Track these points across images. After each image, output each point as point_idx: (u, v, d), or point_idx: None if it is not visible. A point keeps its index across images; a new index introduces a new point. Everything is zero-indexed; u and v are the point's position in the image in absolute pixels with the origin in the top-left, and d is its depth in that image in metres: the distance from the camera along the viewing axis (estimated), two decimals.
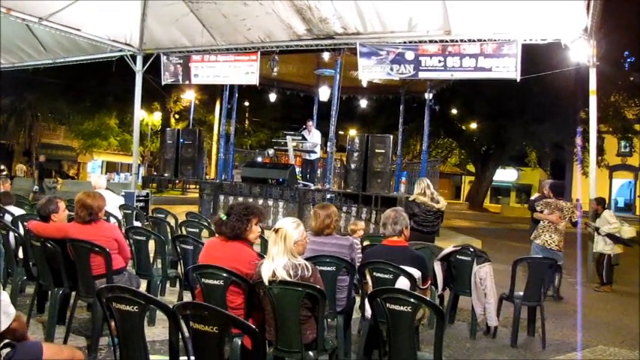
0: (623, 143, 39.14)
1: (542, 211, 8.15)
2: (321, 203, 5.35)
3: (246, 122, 35.84)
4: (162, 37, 13.17)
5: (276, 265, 3.63)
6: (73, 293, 5.13)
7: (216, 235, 4.21)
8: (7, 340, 2.95)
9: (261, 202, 12.69)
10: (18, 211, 7.22)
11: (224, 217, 4.05)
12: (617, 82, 24.77)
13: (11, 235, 5.96)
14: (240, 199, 12.51)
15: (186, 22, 12.35)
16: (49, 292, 5.23)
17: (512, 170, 45.84)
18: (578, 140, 26.74)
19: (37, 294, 5.61)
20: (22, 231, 5.99)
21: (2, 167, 26.98)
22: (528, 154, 34.66)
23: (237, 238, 4.06)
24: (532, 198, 8.95)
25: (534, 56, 12.04)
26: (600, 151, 26.78)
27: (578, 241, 7.29)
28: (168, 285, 6.96)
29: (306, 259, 3.99)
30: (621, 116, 27.25)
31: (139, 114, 15.52)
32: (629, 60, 26.56)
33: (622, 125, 27.76)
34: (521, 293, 6.18)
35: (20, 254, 5.92)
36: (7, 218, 6.81)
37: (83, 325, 5.46)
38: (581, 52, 9.21)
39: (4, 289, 2.98)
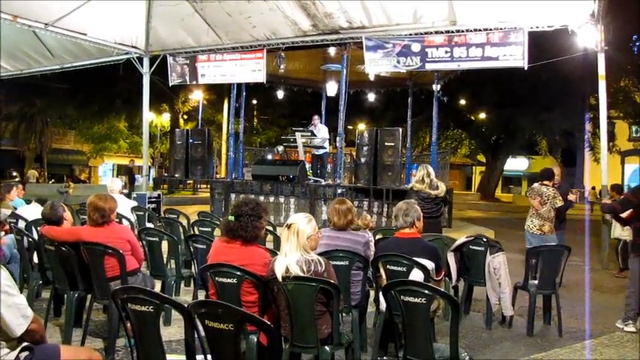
0: (634, 128, 38.77)
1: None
2: (338, 198, 5.34)
3: (255, 120, 35.86)
4: (168, 38, 13.20)
5: (290, 260, 3.63)
6: (89, 296, 5.17)
7: (223, 236, 4.13)
8: (25, 344, 2.97)
9: (272, 199, 12.71)
10: (35, 210, 7.27)
11: (232, 219, 3.97)
12: (626, 67, 24.50)
13: (25, 240, 6.01)
14: (252, 196, 12.52)
15: (191, 23, 12.37)
16: (65, 296, 5.27)
17: (523, 159, 45.54)
18: (588, 127, 26.55)
19: (52, 298, 5.66)
20: (35, 236, 6.03)
21: (14, 173, 27.19)
22: (539, 142, 34.35)
23: (253, 241, 4.04)
24: (533, 185, 8.95)
25: (541, 43, 11.95)
26: (611, 136, 26.51)
27: (586, 226, 7.25)
28: (182, 285, 6.99)
29: (320, 254, 3.99)
30: (632, 101, 26.95)
31: (148, 116, 15.57)
32: (638, 44, 26.30)
33: (633, 110, 27.47)
34: (536, 282, 6.16)
35: (35, 259, 5.97)
36: (21, 224, 6.85)
37: (99, 327, 5.50)
38: (589, 37, 9.14)
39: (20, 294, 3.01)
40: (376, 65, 10.90)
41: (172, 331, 5.39)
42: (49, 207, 5.40)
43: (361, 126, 29.39)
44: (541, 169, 8.69)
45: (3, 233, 3.22)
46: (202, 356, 3.09)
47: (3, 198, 7.55)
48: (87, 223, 5.12)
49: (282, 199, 12.71)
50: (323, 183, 12.99)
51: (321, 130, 14.45)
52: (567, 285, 8.21)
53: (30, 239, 5.99)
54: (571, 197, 8.24)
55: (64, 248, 5.02)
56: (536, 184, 8.23)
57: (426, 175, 8.22)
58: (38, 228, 5.93)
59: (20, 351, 2.96)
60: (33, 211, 7.20)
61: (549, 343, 5.71)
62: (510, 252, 6.60)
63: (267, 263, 3.90)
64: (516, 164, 45.28)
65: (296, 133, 13.91)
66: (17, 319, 2.90)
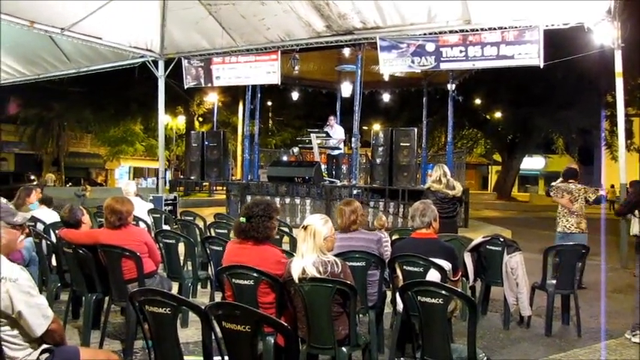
0: None
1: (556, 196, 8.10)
2: (345, 199, 5.34)
3: (270, 122, 35.95)
4: (183, 41, 13.26)
5: (306, 262, 3.63)
6: (107, 298, 5.20)
7: (236, 238, 4.15)
8: (45, 346, 3.00)
9: (288, 200, 12.74)
10: (52, 216, 7.34)
11: (244, 220, 3.98)
12: None
13: (44, 242, 6.06)
14: (268, 198, 12.53)
15: (205, 25, 12.42)
16: (83, 298, 5.30)
17: (540, 158, 45.23)
18: (605, 124, 26.28)
19: (71, 300, 5.71)
20: (54, 239, 6.08)
21: (32, 177, 27.46)
22: (555, 140, 34.09)
23: (265, 241, 4.05)
24: (552, 184, 8.86)
25: (557, 41, 11.87)
26: (629, 134, 26.25)
27: (602, 225, 7.20)
28: (199, 286, 7.01)
29: (336, 255, 3.98)
30: None
31: (163, 118, 15.66)
32: None
33: None
34: (554, 282, 6.11)
35: (53, 262, 6.02)
36: (39, 227, 6.91)
37: (117, 329, 5.54)
38: (605, 34, 9.04)
39: None
40: (391, 65, 10.88)
41: (190, 332, 5.41)
42: (68, 210, 5.44)
43: (376, 126, 29.32)
44: (565, 168, 8.62)
45: (23, 236, 3.24)
46: (219, 358, 3.10)
47: (23, 202, 7.62)
48: (104, 226, 5.16)
49: (297, 201, 12.72)
50: (338, 184, 12.98)
51: (337, 131, 14.44)
52: (587, 285, 8.17)
53: (48, 242, 6.05)
54: (602, 192, 8.17)
55: (81, 251, 5.05)
56: (561, 183, 8.15)
57: (443, 174, 8.19)
58: (56, 231, 5.99)
59: (41, 353, 2.99)
60: (47, 215, 7.29)
61: (568, 344, 5.65)
62: (528, 252, 6.54)
63: (280, 262, 3.92)
64: (533, 163, 44.93)
65: (311, 135, 13.92)
66: (38, 319, 2.93)
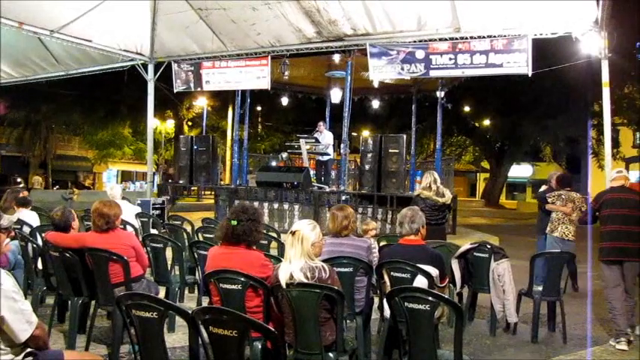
0: (638, 135, 38.71)
1: (554, 203, 8.12)
2: (339, 205, 5.37)
3: (259, 127, 35.90)
4: (173, 45, 13.23)
5: (294, 267, 3.64)
6: (93, 302, 5.18)
7: (221, 242, 4.14)
8: (29, 350, 2.98)
9: (276, 205, 12.74)
10: (33, 217, 7.30)
11: (235, 223, 3.99)
12: (630, 74, 24.50)
13: (29, 246, 6.02)
14: (256, 203, 12.52)
15: (196, 29, 12.39)
16: (69, 302, 5.28)
17: (527, 166, 45.45)
18: (592, 133, 26.50)
19: (57, 304, 5.66)
20: (40, 242, 6.04)
21: (19, 179, 27.26)
22: (543, 148, 34.36)
23: (252, 245, 4.05)
24: (541, 190, 8.91)
25: (545, 50, 11.96)
26: (615, 143, 26.48)
27: (589, 231, 7.24)
28: (186, 291, 6.99)
29: (323, 260, 3.99)
30: (636, 108, 26.94)
31: (152, 122, 15.60)
32: None
33: (637, 117, 27.46)
34: (540, 288, 6.15)
35: (39, 265, 5.98)
36: (25, 230, 6.87)
37: (103, 334, 5.51)
38: (593, 44, 9.11)
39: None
40: (380, 72, 10.91)
41: (176, 337, 5.39)
42: (60, 213, 5.41)
43: (365, 133, 29.42)
44: (559, 175, 8.66)
45: (8, 239, 3.22)
46: None
47: (10, 205, 7.54)
48: (91, 229, 5.14)
49: (286, 206, 12.72)
50: (327, 190, 12.99)
51: (327, 137, 14.46)
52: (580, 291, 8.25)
53: (34, 245, 6.01)
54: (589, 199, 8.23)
55: (68, 254, 5.03)
56: (562, 192, 8.17)
57: (433, 181, 8.23)
58: (43, 234, 5.95)
59: (24, 357, 2.97)
60: (28, 217, 7.24)
61: (554, 350, 5.69)
62: (515, 259, 6.58)
63: (265, 265, 3.94)
64: (521, 171, 45.15)
65: (300, 140, 13.94)
66: (22, 324, 2.91)
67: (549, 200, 8.23)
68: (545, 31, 9.43)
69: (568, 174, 8.63)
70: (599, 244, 6.13)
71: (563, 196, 8.02)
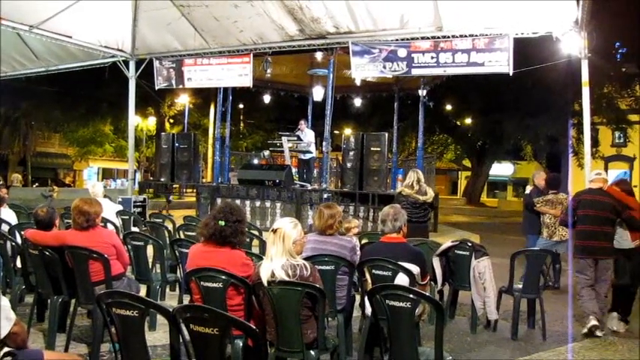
0: (617, 134, 39.13)
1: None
2: (327, 203, 5.39)
3: (241, 125, 35.82)
4: (155, 42, 13.13)
5: (275, 265, 3.64)
6: (73, 301, 5.13)
7: (203, 239, 4.11)
8: (7, 349, 2.95)
9: (258, 203, 12.72)
10: (10, 215, 7.22)
11: (223, 224, 3.96)
12: (609, 74, 24.82)
13: (8, 244, 5.95)
14: (238, 201, 12.49)
15: (177, 26, 12.31)
16: (49, 301, 5.22)
17: (508, 164, 45.84)
18: (572, 132, 26.77)
19: (36, 303, 5.61)
20: (19, 240, 5.98)
21: None
22: (524, 147, 34.66)
23: (237, 246, 4.04)
24: (526, 193, 9.00)
25: (527, 50, 12.04)
26: (595, 142, 26.82)
27: (569, 232, 7.35)
28: (168, 289, 6.96)
29: (306, 258, 3.99)
30: (614, 107, 27.27)
31: (134, 119, 15.48)
32: (620, 51, 26.64)
33: (616, 116, 27.79)
34: (520, 286, 6.21)
35: (18, 263, 5.91)
36: (4, 228, 6.79)
37: (84, 333, 5.47)
38: (573, 44, 9.20)
39: None
40: (363, 70, 10.92)
41: (157, 336, 5.36)
42: (45, 210, 5.35)
43: (347, 131, 29.48)
44: (548, 178, 8.75)
45: None
46: None
47: None
48: (71, 227, 5.09)
49: (268, 204, 12.71)
50: (309, 188, 13.00)
51: (308, 135, 14.47)
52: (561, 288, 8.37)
53: (13, 244, 5.94)
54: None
55: (47, 253, 4.98)
56: (549, 196, 8.27)
57: (416, 181, 8.28)
58: (22, 232, 5.88)
59: (2, 356, 2.93)
60: (4, 214, 7.15)
61: (533, 347, 5.75)
62: (495, 256, 6.64)
63: (246, 263, 3.93)
64: (502, 169, 45.55)
65: (282, 138, 13.93)
66: (0, 321, 2.88)
67: (537, 206, 8.34)
68: (526, 31, 9.50)
69: (557, 175, 8.74)
70: (574, 242, 6.33)
71: (552, 200, 8.13)
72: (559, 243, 8.05)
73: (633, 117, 29.87)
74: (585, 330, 5.85)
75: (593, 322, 5.82)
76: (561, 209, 7.94)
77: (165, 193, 15.21)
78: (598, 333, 5.87)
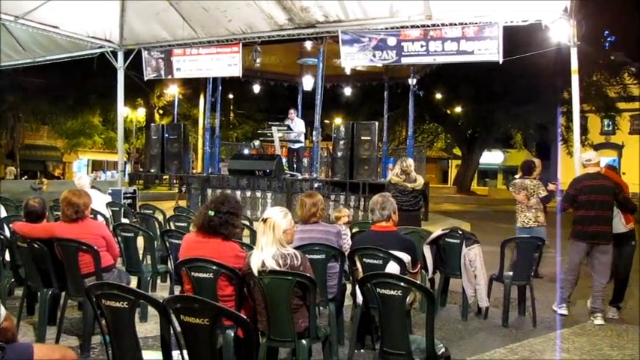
0: (606, 122, 39.43)
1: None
2: (308, 192, 5.40)
3: (231, 115, 35.69)
4: (143, 32, 13.03)
5: (265, 255, 3.63)
6: (63, 293, 5.10)
7: (195, 229, 4.09)
8: None
9: (248, 193, 12.69)
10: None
11: (212, 214, 3.93)
12: (598, 62, 24.93)
13: None
14: (228, 191, 12.46)
15: (166, 16, 12.22)
16: (39, 294, 5.20)
17: (499, 152, 46.00)
18: (562, 120, 26.90)
19: (26, 296, 5.57)
20: (7, 233, 5.93)
21: None
22: (514, 135, 34.80)
23: (228, 238, 4.01)
24: (512, 179, 9.03)
25: (516, 38, 12.05)
26: (584, 130, 26.93)
27: (558, 218, 7.36)
28: (158, 280, 6.95)
29: (295, 248, 3.99)
30: (603, 95, 27.41)
31: (123, 111, 15.39)
32: (609, 39, 26.77)
33: (604, 104, 27.94)
34: (511, 273, 6.24)
35: (7, 256, 5.87)
36: None
37: (74, 325, 5.45)
38: (562, 32, 9.21)
39: None
40: (352, 59, 10.90)
41: (149, 327, 5.35)
42: (38, 200, 5.31)
43: (338, 120, 29.39)
44: (521, 163, 8.79)
45: None
46: (178, 352, 3.07)
47: None
48: (60, 219, 5.06)
49: (258, 194, 12.69)
50: (299, 177, 12.99)
51: (298, 124, 14.43)
52: (544, 275, 8.39)
53: (1, 237, 5.90)
54: (551, 187, 8.30)
55: (36, 245, 4.95)
56: (517, 180, 8.30)
57: (405, 168, 8.27)
58: (10, 225, 5.84)
59: None
60: None
61: (524, 333, 5.79)
62: (486, 244, 6.66)
63: (239, 255, 3.92)
64: (492, 158, 45.68)
65: (272, 128, 13.90)
66: None
67: (510, 189, 8.40)
68: (515, 19, 9.50)
69: (529, 160, 8.72)
70: (572, 227, 6.34)
71: (518, 185, 8.15)
72: (524, 230, 8.03)
73: (621, 105, 30.05)
74: (559, 313, 6.09)
75: (564, 311, 6.04)
76: (525, 194, 7.98)
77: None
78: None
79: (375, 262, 4.48)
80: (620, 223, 6.44)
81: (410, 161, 8.56)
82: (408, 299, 3.70)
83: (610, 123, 38.42)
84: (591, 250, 6.29)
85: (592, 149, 30.87)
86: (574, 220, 6.42)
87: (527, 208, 8.03)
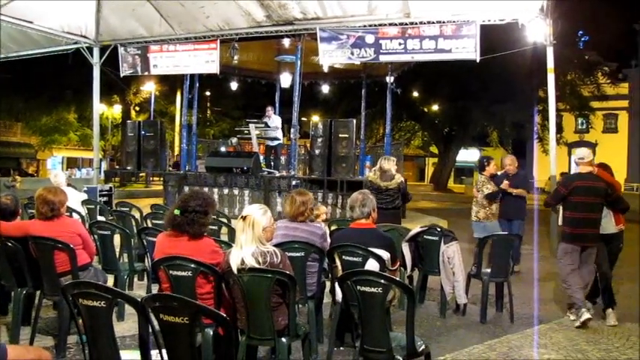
0: (580, 120, 40.10)
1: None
2: (299, 189, 5.37)
3: (208, 112, 35.55)
4: (119, 28, 12.89)
5: (245, 252, 3.60)
6: (38, 292, 5.02)
7: (168, 230, 4.05)
8: None
9: (226, 191, 12.62)
10: None
11: (178, 213, 3.88)
12: (572, 61, 25.30)
13: None
14: (206, 189, 12.37)
15: (143, 12, 12.10)
16: (12, 293, 5.11)
17: (475, 150, 46.31)
18: (537, 119, 27.24)
19: None
20: None
21: None
22: (490, 134, 35.16)
23: (196, 236, 3.95)
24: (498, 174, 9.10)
25: (493, 37, 12.15)
26: (559, 128, 27.28)
27: (535, 215, 7.44)
28: (135, 279, 6.88)
29: (275, 245, 3.97)
30: (577, 94, 27.83)
31: (99, 107, 15.23)
32: (583, 39, 27.19)
33: (579, 103, 28.35)
34: (489, 270, 6.29)
35: None
36: None
37: (49, 325, 5.36)
38: (538, 31, 9.33)
39: None
40: (330, 57, 10.90)
41: (126, 326, 5.29)
42: (10, 198, 5.21)
43: (315, 117, 29.43)
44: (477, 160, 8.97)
45: None
46: (157, 351, 3.04)
47: None
48: (35, 217, 4.97)
49: (236, 191, 12.62)
50: (277, 175, 12.95)
51: (275, 121, 14.39)
52: (522, 272, 8.47)
53: None
54: (503, 186, 8.39)
55: (10, 243, 4.85)
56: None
57: (382, 166, 8.28)
58: None
59: None
60: None
61: (502, 330, 5.83)
62: (464, 241, 6.71)
63: (215, 251, 3.89)
64: (468, 155, 46.00)
65: (249, 125, 13.86)
66: None
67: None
68: (493, 18, 9.59)
69: (482, 157, 8.96)
70: (562, 229, 6.31)
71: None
72: (477, 223, 8.18)
73: (595, 104, 30.52)
74: (578, 323, 5.81)
75: (587, 315, 5.79)
76: (476, 189, 8.28)
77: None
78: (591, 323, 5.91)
79: (355, 259, 4.47)
80: (610, 224, 6.37)
81: (390, 161, 8.49)
82: (387, 296, 3.70)
83: (584, 121, 39.04)
84: (581, 250, 6.20)
85: (566, 147, 31.39)
86: (563, 222, 6.35)
87: (475, 203, 8.29)
